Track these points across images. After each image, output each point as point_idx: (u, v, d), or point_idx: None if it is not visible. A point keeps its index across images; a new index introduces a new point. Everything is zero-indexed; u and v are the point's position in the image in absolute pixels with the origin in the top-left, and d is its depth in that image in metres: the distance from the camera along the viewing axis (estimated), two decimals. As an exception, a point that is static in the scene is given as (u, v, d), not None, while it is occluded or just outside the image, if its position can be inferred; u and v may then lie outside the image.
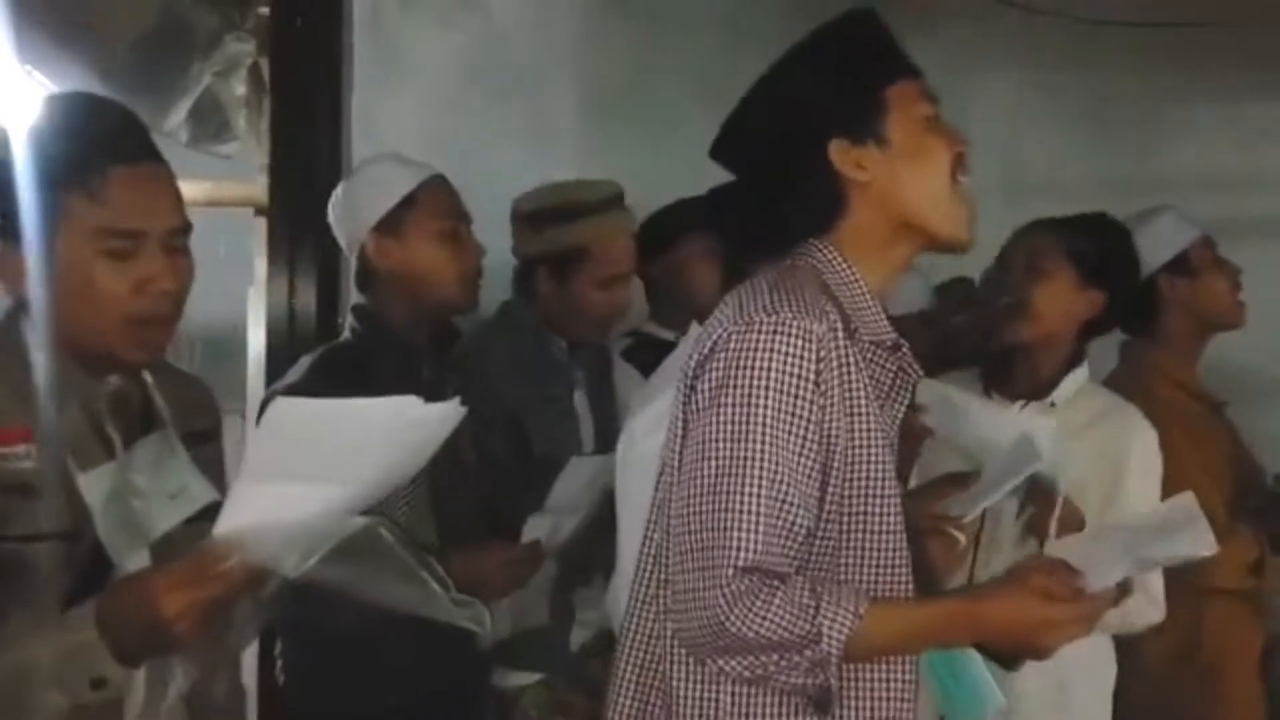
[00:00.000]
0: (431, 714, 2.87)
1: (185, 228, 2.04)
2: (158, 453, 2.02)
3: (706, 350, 1.98)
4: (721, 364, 1.94)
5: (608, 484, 2.58)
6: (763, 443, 1.90)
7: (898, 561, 2.01)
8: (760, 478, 1.89)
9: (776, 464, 1.90)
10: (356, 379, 2.82)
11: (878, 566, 1.99)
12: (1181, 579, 3.16)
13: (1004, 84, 5.00)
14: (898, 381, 2.09)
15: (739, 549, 1.87)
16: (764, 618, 1.85)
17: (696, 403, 1.97)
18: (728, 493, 1.89)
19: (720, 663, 1.90)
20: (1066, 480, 2.46)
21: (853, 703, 2.00)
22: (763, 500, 1.89)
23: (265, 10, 4.04)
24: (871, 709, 2.00)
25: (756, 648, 1.87)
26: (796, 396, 1.91)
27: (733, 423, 1.91)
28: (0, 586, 1.88)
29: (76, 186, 1.95)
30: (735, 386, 1.92)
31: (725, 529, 1.88)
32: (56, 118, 2.04)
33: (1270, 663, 3.43)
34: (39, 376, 1.97)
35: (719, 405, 1.92)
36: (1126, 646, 3.18)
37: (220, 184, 4.13)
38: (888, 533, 1.99)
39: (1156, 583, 2.91)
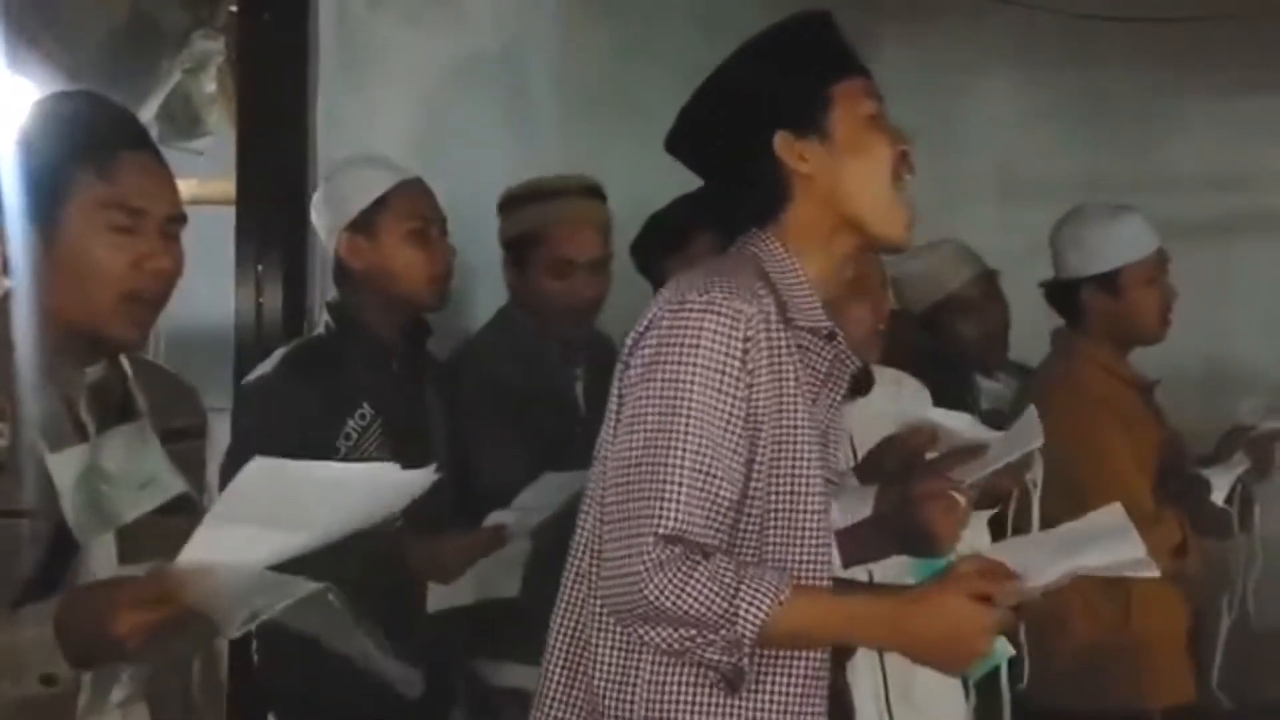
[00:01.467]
0: (394, 697, 2.85)
1: (181, 217, 2.14)
2: (130, 442, 2.08)
3: (642, 329, 2.07)
4: (654, 341, 2.03)
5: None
6: (689, 416, 1.97)
7: (820, 542, 2.07)
8: (686, 450, 1.97)
9: (702, 437, 1.97)
10: (325, 372, 2.96)
11: (801, 547, 2.05)
12: None
13: (999, 81, 5.00)
14: (833, 370, 2.15)
15: (662, 517, 1.94)
16: (682, 590, 1.92)
17: (629, 380, 2.05)
18: (653, 464, 1.97)
19: (642, 631, 1.97)
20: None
21: (765, 684, 2.05)
22: (687, 471, 1.96)
23: (235, 8, 4.07)
24: (784, 690, 2.05)
25: (675, 620, 1.93)
26: (724, 373, 1.98)
27: (661, 398, 1.99)
28: None
29: (88, 163, 2.05)
30: (665, 363, 2.00)
31: (650, 499, 1.96)
32: (66, 107, 2.16)
33: (1196, 642, 3.50)
34: (20, 358, 2.04)
35: (649, 381, 2.01)
36: (1054, 625, 3.25)
37: (205, 182, 4.19)
38: (811, 513, 2.06)
39: None
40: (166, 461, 2.09)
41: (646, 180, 3.60)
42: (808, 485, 2.06)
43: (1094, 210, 3.53)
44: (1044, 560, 2.12)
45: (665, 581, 1.92)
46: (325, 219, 3.16)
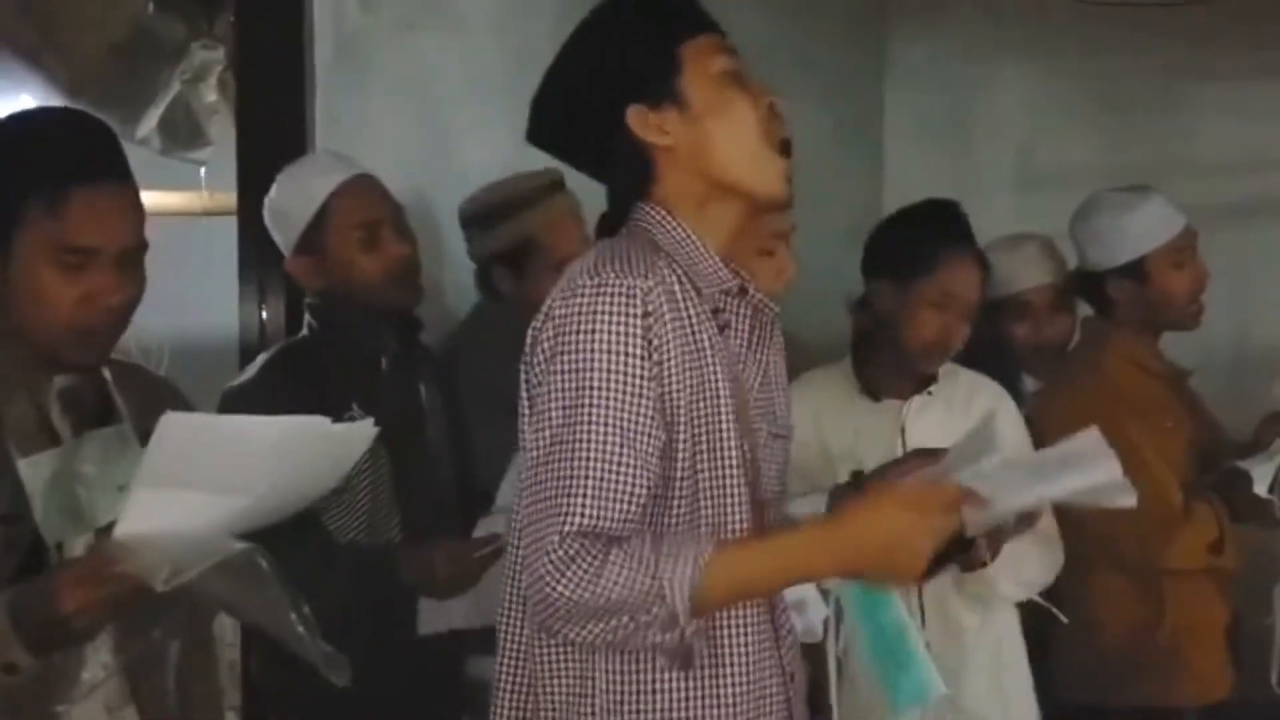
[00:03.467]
0: (400, 697, 2.89)
1: (140, 246, 2.14)
2: (108, 446, 2.11)
3: (539, 323, 1.99)
4: (550, 333, 1.95)
5: None
6: (592, 406, 1.89)
7: (742, 508, 2.00)
8: (591, 442, 1.89)
9: (607, 426, 1.89)
10: (310, 375, 2.91)
11: (733, 518, 1.99)
12: (1139, 561, 3.24)
13: (1014, 70, 4.98)
14: (753, 324, 2.09)
15: (566, 515, 1.87)
16: (598, 578, 1.84)
17: (534, 376, 1.98)
18: (559, 461, 1.89)
19: (572, 633, 1.88)
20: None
21: (720, 655, 1.99)
22: (594, 464, 1.88)
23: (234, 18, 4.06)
24: (744, 659, 2.00)
25: (600, 612, 1.85)
26: (626, 355, 1.90)
27: (563, 390, 1.91)
28: None
29: (37, 198, 2.05)
30: (564, 353, 1.92)
31: (555, 497, 1.88)
32: (29, 128, 2.16)
33: (1236, 639, 3.42)
34: None
35: (551, 374, 1.93)
36: (1085, 625, 3.23)
37: (213, 194, 4.20)
38: (736, 484, 1.99)
39: (1050, 525, 2.96)
40: None
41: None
42: (738, 456, 1.99)
43: (1111, 198, 3.44)
44: (1017, 485, 2.05)
45: (576, 574, 1.84)
46: (276, 237, 3.11)
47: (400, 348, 3.03)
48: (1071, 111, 4.89)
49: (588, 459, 1.88)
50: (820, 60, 4.70)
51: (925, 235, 2.96)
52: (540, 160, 3.49)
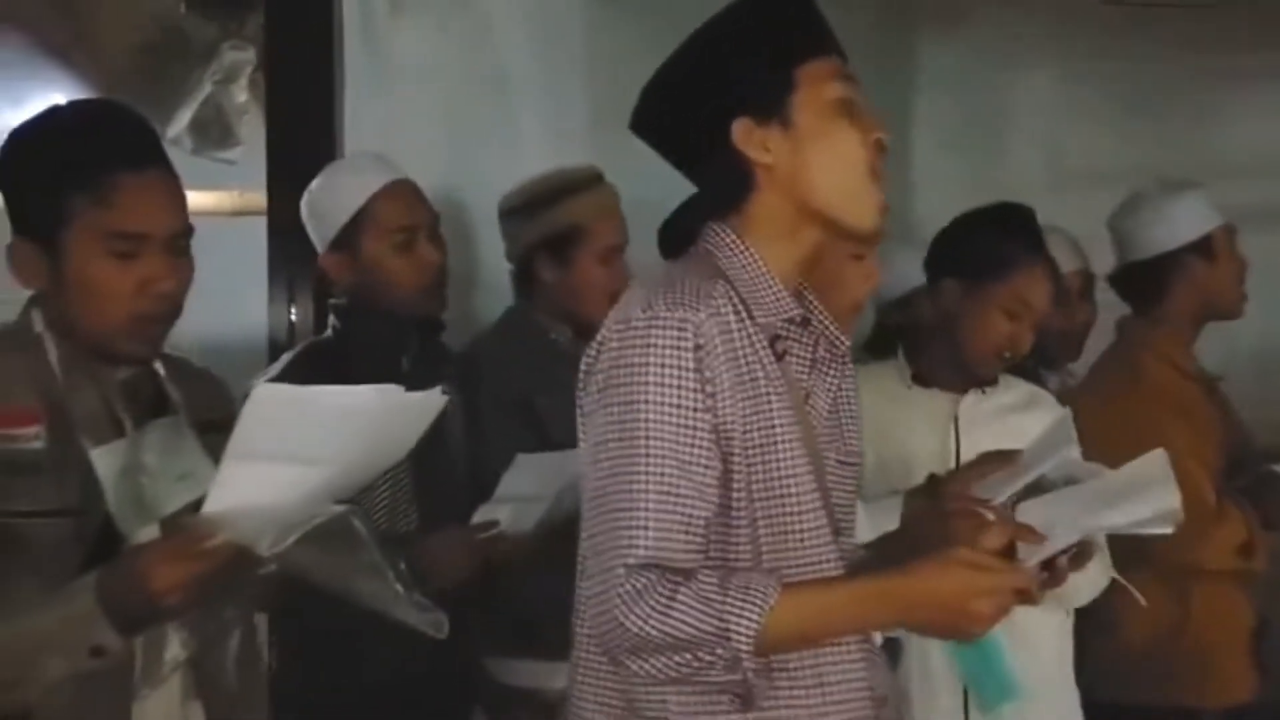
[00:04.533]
0: (416, 697, 2.89)
1: (187, 231, 2.16)
2: (168, 436, 2.13)
3: (595, 353, 2.00)
4: (605, 365, 1.96)
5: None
6: (648, 438, 1.90)
7: (817, 540, 1.99)
8: (649, 474, 1.89)
9: (664, 458, 1.89)
10: (333, 374, 2.80)
11: (797, 548, 1.98)
12: (1168, 561, 3.18)
13: (1044, 72, 4.95)
14: (819, 353, 2.07)
15: (630, 547, 1.87)
16: (666, 615, 1.84)
17: (588, 406, 1.99)
18: (618, 493, 1.90)
19: (634, 666, 1.89)
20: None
21: (794, 690, 1.97)
22: (652, 496, 1.88)
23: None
24: (816, 695, 1.98)
25: (665, 647, 1.86)
26: (679, 387, 1.91)
27: (618, 422, 1.92)
28: (7, 558, 2.01)
29: (85, 189, 2.07)
30: (617, 386, 1.92)
31: (617, 529, 1.89)
32: (71, 121, 2.17)
33: (1260, 643, 3.44)
34: (54, 362, 2.10)
35: (604, 407, 1.94)
36: (1108, 626, 3.22)
37: (244, 194, 4.20)
38: (804, 513, 1.98)
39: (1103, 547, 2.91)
40: (203, 455, 2.12)
41: (672, 184, 3.56)
42: (796, 486, 1.98)
43: (1160, 187, 3.48)
44: (1075, 515, 2.03)
45: (646, 609, 1.84)
46: (311, 232, 3.14)
47: (421, 348, 3.04)
48: (1101, 115, 4.86)
49: (645, 491, 1.88)
50: (849, 65, 4.68)
51: (1002, 238, 2.92)
52: (548, 164, 3.55)
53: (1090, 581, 2.88)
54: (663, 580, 1.85)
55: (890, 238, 2.72)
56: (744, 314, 1.99)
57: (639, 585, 1.85)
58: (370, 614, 1.99)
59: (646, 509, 1.88)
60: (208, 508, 1.88)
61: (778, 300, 2.02)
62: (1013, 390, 3.00)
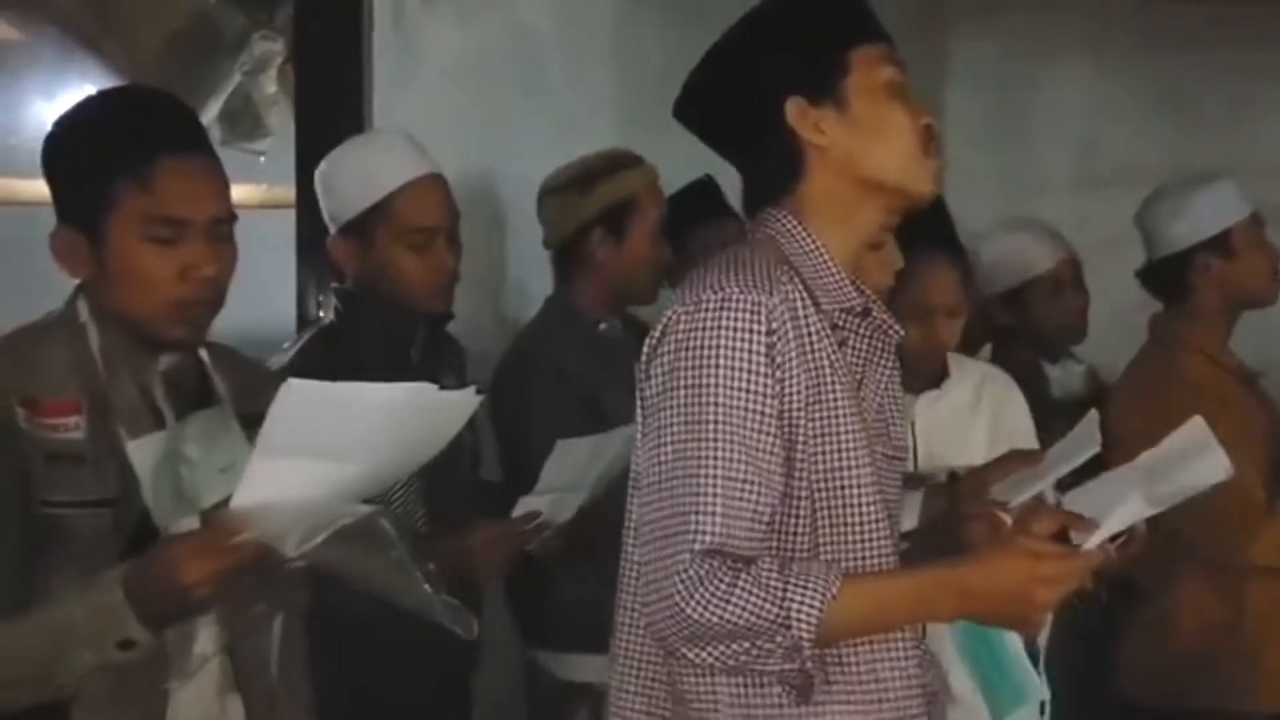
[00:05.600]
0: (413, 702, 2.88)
1: (229, 217, 2.15)
2: (211, 427, 2.12)
3: (658, 335, 1.97)
4: (671, 348, 1.93)
5: (621, 457, 2.52)
6: (715, 424, 1.88)
7: (876, 533, 1.98)
8: (716, 459, 1.87)
9: (731, 444, 1.88)
10: (338, 363, 2.79)
11: (856, 540, 1.97)
12: (1218, 559, 3.21)
13: (1075, 69, 4.94)
14: (874, 344, 2.07)
15: (696, 533, 1.85)
16: (727, 602, 1.82)
17: (652, 390, 1.96)
18: (683, 478, 1.88)
19: (691, 654, 1.87)
20: None
21: (848, 685, 1.97)
22: (719, 482, 1.87)
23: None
24: (871, 691, 1.97)
25: (724, 635, 1.84)
26: (749, 372, 1.89)
27: (685, 406, 1.89)
28: (46, 549, 2.01)
29: (129, 175, 2.06)
30: (685, 369, 1.90)
31: (682, 514, 1.87)
32: (112, 108, 2.17)
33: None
34: (95, 352, 2.10)
35: (671, 390, 1.91)
36: (1158, 627, 3.24)
37: (272, 188, 4.21)
38: (863, 504, 1.97)
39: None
40: (246, 445, 2.08)
41: (699, 174, 3.55)
42: (856, 477, 1.97)
43: (1184, 182, 3.48)
44: (1125, 495, 2.00)
45: (707, 596, 1.83)
46: (322, 203, 3.02)
47: (429, 339, 2.97)
48: (1133, 111, 4.85)
49: (713, 476, 1.86)
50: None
51: None
52: (588, 153, 3.54)
53: None
54: (725, 567, 1.84)
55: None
56: (809, 301, 1.98)
57: (702, 572, 1.83)
58: (400, 615, 1.96)
59: (714, 494, 1.86)
60: (235, 502, 1.87)
61: (840, 288, 2.02)
62: (965, 377, 3.01)
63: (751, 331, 1.89)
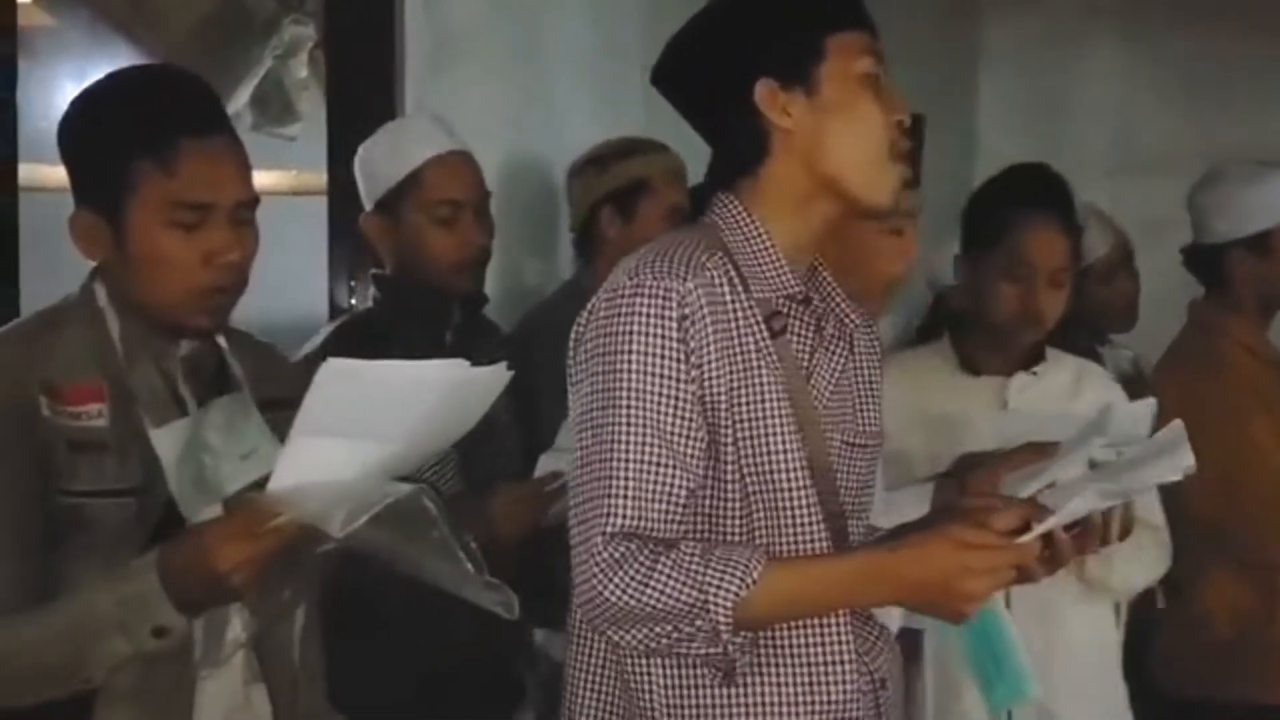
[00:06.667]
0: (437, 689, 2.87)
1: (252, 201, 2.12)
2: (231, 414, 2.11)
3: (583, 323, 2.00)
4: (591, 334, 1.96)
5: None
6: (627, 408, 1.90)
7: (808, 519, 1.98)
8: (630, 443, 1.89)
9: (644, 427, 1.89)
10: (373, 347, 2.76)
11: (787, 526, 1.97)
12: (1253, 554, 3.22)
13: (1110, 54, 4.90)
14: (825, 332, 2.06)
15: (608, 515, 1.87)
16: (645, 585, 1.84)
17: (574, 376, 2.00)
18: (598, 462, 1.90)
19: (616, 636, 1.89)
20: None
21: (781, 668, 1.97)
22: (630, 465, 1.88)
23: (324, -7, 4.08)
24: (803, 674, 1.97)
25: (645, 618, 1.85)
26: (661, 357, 1.90)
27: (600, 392, 1.92)
28: (68, 539, 1.98)
29: (148, 155, 2.03)
30: (601, 355, 1.93)
31: (597, 498, 1.89)
32: (132, 88, 2.12)
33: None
34: (115, 338, 2.07)
35: (591, 375, 1.95)
36: (1191, 620, 3.22)
37: (301, 173, 4.26)
38: (794, 490, 1.97)
39: (1157, 517, 2.86)
40: (267, 432, 2.09)
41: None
42: (785, 463, 1.96)
43: (1237, 170, 3.45)
44: (1081, 489, 1.96)
45: (625, 579, 1.84)
46: (361, 190, 3.06)
47: (464, 321, 2.99)
48: (1168, 96, 4.81)
49: (625, 459, 1.88)
50: (915, 45, 4.65)
51: (993, 202, 2.86)
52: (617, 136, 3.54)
53: (1144, 567, 2.84)
54: (643, 550, 1.85)
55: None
56: (739, 287, 1.98)
57: (617, 554, 1.85)
58: (439, 594, 1.94)
59: (626, 477, 1.88)
60: (273, 485, 1.85)
61: (778, 275, 2.01)
62: (1062, 367, 2.93)
63: (663, 317, 1.90)
